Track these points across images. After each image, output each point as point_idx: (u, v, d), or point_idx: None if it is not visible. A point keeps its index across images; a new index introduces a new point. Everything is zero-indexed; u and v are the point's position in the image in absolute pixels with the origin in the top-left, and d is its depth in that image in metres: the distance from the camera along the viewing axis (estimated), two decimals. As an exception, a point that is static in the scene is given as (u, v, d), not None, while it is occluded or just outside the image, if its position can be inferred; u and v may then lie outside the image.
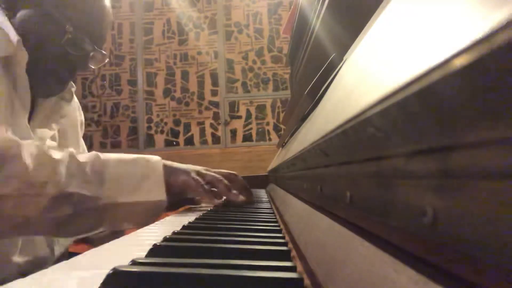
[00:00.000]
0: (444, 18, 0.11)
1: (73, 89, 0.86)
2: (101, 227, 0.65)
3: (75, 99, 0.92)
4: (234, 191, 0.76)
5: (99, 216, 0.63)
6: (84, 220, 0.62)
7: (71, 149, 0.65)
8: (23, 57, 0.70)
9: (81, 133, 0.95)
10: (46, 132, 0.78)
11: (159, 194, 0.67)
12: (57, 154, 0.62)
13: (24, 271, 0.69)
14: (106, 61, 0.84)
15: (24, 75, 0.71)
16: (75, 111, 0.91)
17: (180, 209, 0.85)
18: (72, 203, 0.60)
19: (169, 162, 0.73)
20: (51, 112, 0.80)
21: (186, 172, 0.73)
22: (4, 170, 0.55)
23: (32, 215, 0.57)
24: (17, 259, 0.69)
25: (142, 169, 0.68)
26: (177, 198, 0.76)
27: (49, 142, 0.79)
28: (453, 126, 0.09)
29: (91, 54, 0.78)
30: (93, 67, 0.81)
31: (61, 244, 0.79)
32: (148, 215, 0.66)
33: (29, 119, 0.75)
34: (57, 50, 0.74)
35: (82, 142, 0.98)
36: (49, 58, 0.74)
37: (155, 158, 0.71)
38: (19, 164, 0.56)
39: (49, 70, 0.75)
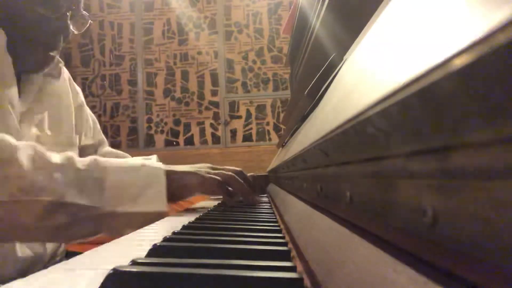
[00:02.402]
0: (444, 18, 0.11)
1: (61, 65, 0.81)
2: (99, 234, 0.63)
3: (67, 78, 0.86)
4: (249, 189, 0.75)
5: (97, 224, 0.61)
6: (80, 228, 0.60)
7: (71, 153, 0.62)
8: (1, 37, 0.67)
9: (78, 117, 0.89)
10: (33, 118, 0.74)
11: (160, 205, 0.64)
12: (55, 157, 0.59)
13: (20, 269, 0.69)
14: (89, 23, 0.79)
15: (6, 56, 0.68)
16: (67, 93, 0.86)
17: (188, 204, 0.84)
18: (68, 212, 0.57)
19: (171, 168, 0.70)
20: (39, 91, 0.76)
21: (195, 174, 0.71)
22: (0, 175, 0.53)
23: (26, 222, 0.55)
24: (14, 256, 0.69)
25: (143, 177, 0.65)
26: (186, 199, 0.75)
27: (34, 130, 0.73)
28: (453, 126, 0.09)
29: (69, 14, 0.73)
30: (76, 31, 0.76)
31: None
32: (147, 224, 0.62)
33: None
34: (33, 17, 0.69)
35: (91, 117, 0.94)
36: (28, 28, 0.70)
37: (157, 165, 0.68)
38: (14, 169, 0.54)
39: (31, 41, 0.71)
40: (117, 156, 0.94)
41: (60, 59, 0.81)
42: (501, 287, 0.08)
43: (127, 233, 0.56)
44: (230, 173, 0.75)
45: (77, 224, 0.59)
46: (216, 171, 0.74)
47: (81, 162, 0.62)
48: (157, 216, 0.64)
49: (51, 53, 0.74)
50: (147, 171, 0.66)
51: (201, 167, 0.74)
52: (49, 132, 0.77)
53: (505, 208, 0.08)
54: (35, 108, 0.75)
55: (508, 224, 0.08)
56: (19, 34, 0.69)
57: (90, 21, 0.80)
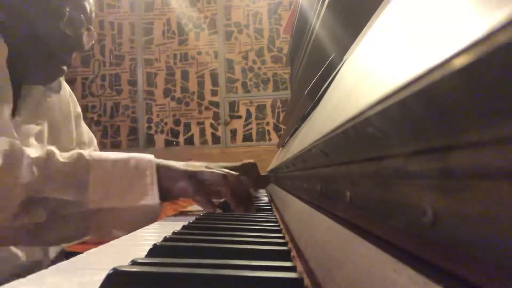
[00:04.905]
0: (444, 18, 0.11)
1: (62, 79, 0.83)
2: (86, 235, 0.60)
3: (67, 90, 0.88)
4: (236, 197, 0.66)
5: (83, 223, 0.57)
6: (64, 227, 0.56)
7: (51, 147, 0.58)
8: (2, 50, 0.67)
9: (77, 126, 0.90)
10: (31, 129, 0.74)
11: (152, 198, 0.60)
12: (33, 152, 0.56)
13: (18, 274, 0.67)
14: (95, 38, 0.83)
15: (4, 70, 0.68)
16: (67, 103, 0.87)
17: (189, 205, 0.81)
18: (47, 208, 0.54)
19: (163, 162, 0.66)
20: (38, 104, 0.77)
21: (184, 177, 0.64)
22: None
23: (1, 221, 0.52)
24: (15, 262, 0.67)
25: (132, 170, 0.61)
26: (172, 200, 0.69)
27: (32, 141, 0.73)
28: (453, 126, 0.09)
29: (85, 33, 0.77)
30: (85, 47, 0.80)
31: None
32: (140, 221, 0.59)
33: (14, 114, 0.71)
34: (55, 34, 0.72)
35: (87, 134, 0.93)
36: (47, 44, 0.72)
37: (147, 157, 0.64)
38: None
39: (47, 56, 0.73)
40: None
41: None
42: (501, 287, 0.08)
43: (118, 236, 0.51)
44: (219, 177, 0.66)
45: (57, 223, 0.56)
46: (207, 175, 0.66)
47: (63, 155, 0.58)
48: (149, 212, 0.60)
49: (63, 67, 0.77)
50: (137, 163, 0.62)
51: (194, 169, 0.67)
52: (47, 145, 0.76)
53: (505, 208, 0.08)
54: (34, 120, 0.75)
55: (508, 224, 0.08)
56: (37, 49, 0.72)
57: (96, 37, 0.83)
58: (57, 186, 0.55)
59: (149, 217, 0.61)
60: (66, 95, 0.88)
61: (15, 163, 0.53)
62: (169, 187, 0.63)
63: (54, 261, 0.77)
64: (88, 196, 0.57)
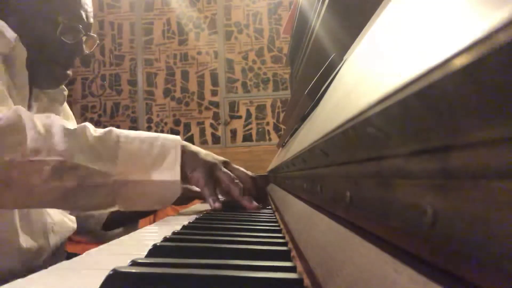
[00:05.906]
0: (444, 18, 0.11)
1: (65, 93, 0.89)
2: (114, 205, 0.65)
3: (68, 108, 0.95)
4: (247, 197, 0.72)
5: (110, 193, 0.63)
6: (93, 195, 0.62)
7: (87, 123, 0.65)
8: (22, 53, 0.73)
9: None
10: None
11: (174, 175, 0.65)
12: (69, 125, 0.63)
13: (22, 260, 0.70)
14: (97, 43, 0.88)
15: (24, 70, 0.74)
16: (67, 116, 0.94)
17: (190, 205, 0.83)
18: (77, 175, 0.60)
19: (189, 147, 0.72)
20: (45, 110, 0.82)
21: (203, 167, 0.70)
22: (14, 137, 0.57)
23: (36, 183, 0.58)
24: (18, 247, 0.69)
25: (158, 147, 0.67)
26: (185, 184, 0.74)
27: None
28: (453, 126, 0.09)
29: (84, 38, 0.82)
30: (87, 51, 0.85)
31: (56, 232, 0.80)
32: (162, 197, 0.65)
33: None
34: (54, 41, 0.77)
35: None
36: (48, 51, 0.78)
37: (174, 137, 0.70)
38: (29, 132, 0.58)
39: (50, 61, 0.79)
40: None
41: (65, 87, 0.88)
42: (501, 287, 0.08)
43: (143, 209, 0.62)
44: (232, 176, 0.72)
45: (86, 190, 0.61)
46: (221, 173, 0.72)
47: (96, 130, 0.65)
48: (170, 188, 0.65)
49: (68, 72, 0.83)
50: (163, 142, 0.68)
51: (213, 161, 0.72)
52: None
53: (505, 208, 0.08)
54: None
55: (508, 224, 0.08)
56: (42, 55, 0.77)
57: (97, 41, 0.89)
58: (88, 156, 0.61)
59: (169, 193, 0.66)
60: (68, 113, 0.95)
61: (55, 132, 0.60)
62: (188, 172, 0.69)
63: (54, 253, 0.79)
64: (116, 169, 0.62)
